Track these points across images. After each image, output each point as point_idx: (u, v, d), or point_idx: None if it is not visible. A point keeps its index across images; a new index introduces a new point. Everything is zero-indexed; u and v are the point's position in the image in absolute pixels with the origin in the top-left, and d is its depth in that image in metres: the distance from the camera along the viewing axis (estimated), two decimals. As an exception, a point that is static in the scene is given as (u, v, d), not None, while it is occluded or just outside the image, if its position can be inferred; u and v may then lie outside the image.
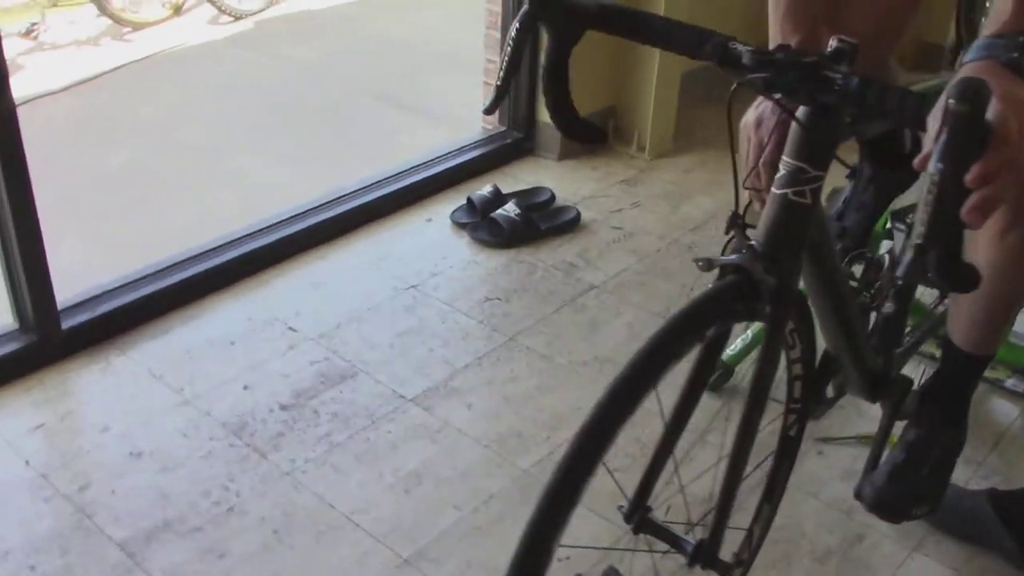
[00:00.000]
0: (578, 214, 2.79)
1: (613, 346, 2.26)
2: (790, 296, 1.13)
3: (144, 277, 2.37)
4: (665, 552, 1.28)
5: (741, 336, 2.15)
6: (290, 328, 2.31)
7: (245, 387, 2.12)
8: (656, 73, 3.09)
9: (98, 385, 2.11)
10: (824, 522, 1.84)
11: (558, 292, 2.49)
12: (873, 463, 1.64)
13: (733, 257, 1.09)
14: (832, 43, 1.04)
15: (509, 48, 1.05)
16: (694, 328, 1.05)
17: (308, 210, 2.70)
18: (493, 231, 2.69)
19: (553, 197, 2.89)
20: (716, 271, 1.12)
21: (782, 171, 1.10)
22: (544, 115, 3.13)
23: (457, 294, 2.47)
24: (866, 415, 2.06)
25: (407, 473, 1.91)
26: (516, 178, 3.04)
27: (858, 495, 1.61)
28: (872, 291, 1.49)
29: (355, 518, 1.81)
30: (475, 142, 3.13)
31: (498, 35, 3.11)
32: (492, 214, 2.70)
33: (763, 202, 1.17)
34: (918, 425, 1.61)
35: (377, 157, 3.19)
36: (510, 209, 2.70)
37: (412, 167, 2.95)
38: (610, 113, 3.23)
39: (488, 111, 1.06)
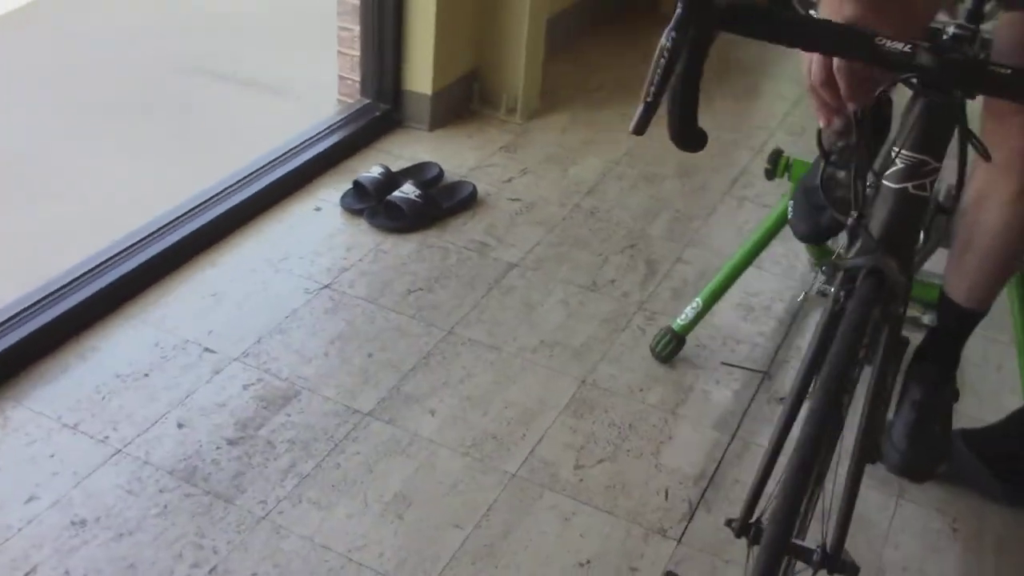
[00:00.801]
0: (474, 189, 2.68)
1: (555, 327, 2.18)
2: (909, 292, 1.10)
3: (19, 313, 2.07)
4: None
5: (692, 304, 2.13)
6: (207, 349, 2.09)
7: (180, 425, 1.90)
8: (527, 30, 2.99)
9: (4, 447, 1.82)
10: (812, 482, 1.87)
11: (480, 275, 2.38)
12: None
13: (862, 260, 1.05)
14: (950, 29, 1.00)
15: (663, 60, 0.94)
16: (858, 348, 1.00)
17: (184, 214, 2.44)
18: (392, 215, 2.53)
19: (442, 173, 2.76)
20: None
21: (900, 165, 1.06)
22: (412, 84, 2.98)
23: (376, 289, 2.31)
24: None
25: (393, 496, 1.78)
26: (391, 153, 2.88)
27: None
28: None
29: (355, 556, 1.66)
30: (343, 119, 2.93)
31: (355, 1, 2.91)
32: (389, 197, 2.54)
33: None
34: (919, 382, 1.65)
35: (235, 144, 2.92)
36: (409, 191, 2.55)
37: (285, 152, 2.73)
38: (474, 77, 3.12)
39: (637, 131, 0.95)
